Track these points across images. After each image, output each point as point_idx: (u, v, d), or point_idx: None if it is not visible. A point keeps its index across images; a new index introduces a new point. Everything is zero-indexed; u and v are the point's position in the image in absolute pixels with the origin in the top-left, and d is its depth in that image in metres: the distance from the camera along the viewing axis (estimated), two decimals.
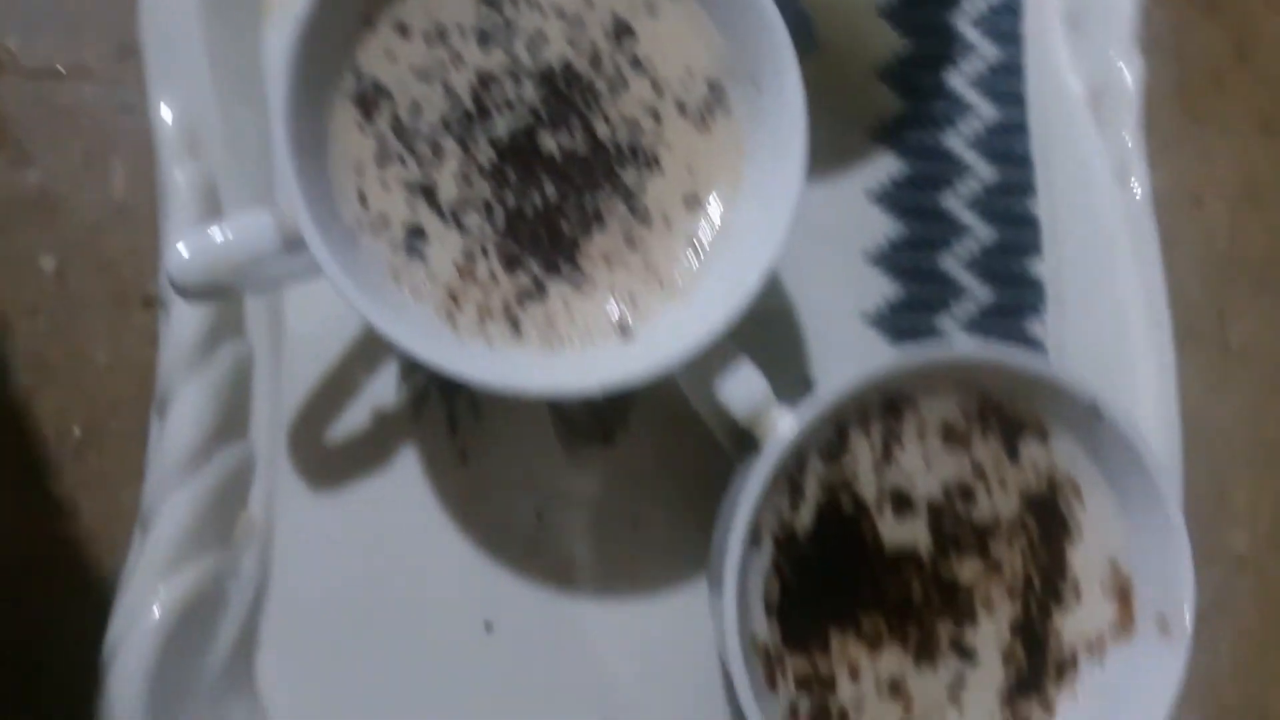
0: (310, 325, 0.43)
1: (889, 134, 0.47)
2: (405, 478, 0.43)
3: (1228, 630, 0.48)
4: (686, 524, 0.43)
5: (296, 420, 0.43)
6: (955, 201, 0.47)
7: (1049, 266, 0.47)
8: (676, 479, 0.44)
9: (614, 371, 0.34)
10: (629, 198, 0.37)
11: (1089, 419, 0.37)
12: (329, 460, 0.43)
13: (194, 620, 0.40)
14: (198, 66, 0.42)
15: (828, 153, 0.46)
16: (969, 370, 0.37)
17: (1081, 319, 0.47)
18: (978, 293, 0.46)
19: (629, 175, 0.37)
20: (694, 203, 0.37)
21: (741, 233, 0.37)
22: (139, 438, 0.41)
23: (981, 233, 0.47)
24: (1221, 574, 0.48)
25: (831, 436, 0.37)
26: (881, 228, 0.47)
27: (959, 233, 0.46)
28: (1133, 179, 0.46)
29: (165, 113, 0.42)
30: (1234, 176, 0.51)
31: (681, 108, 0.37)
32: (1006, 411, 0.38)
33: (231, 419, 0.42)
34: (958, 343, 0.43)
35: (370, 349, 0.43)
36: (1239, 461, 0.49)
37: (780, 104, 0.35)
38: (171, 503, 0.40)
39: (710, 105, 0.37)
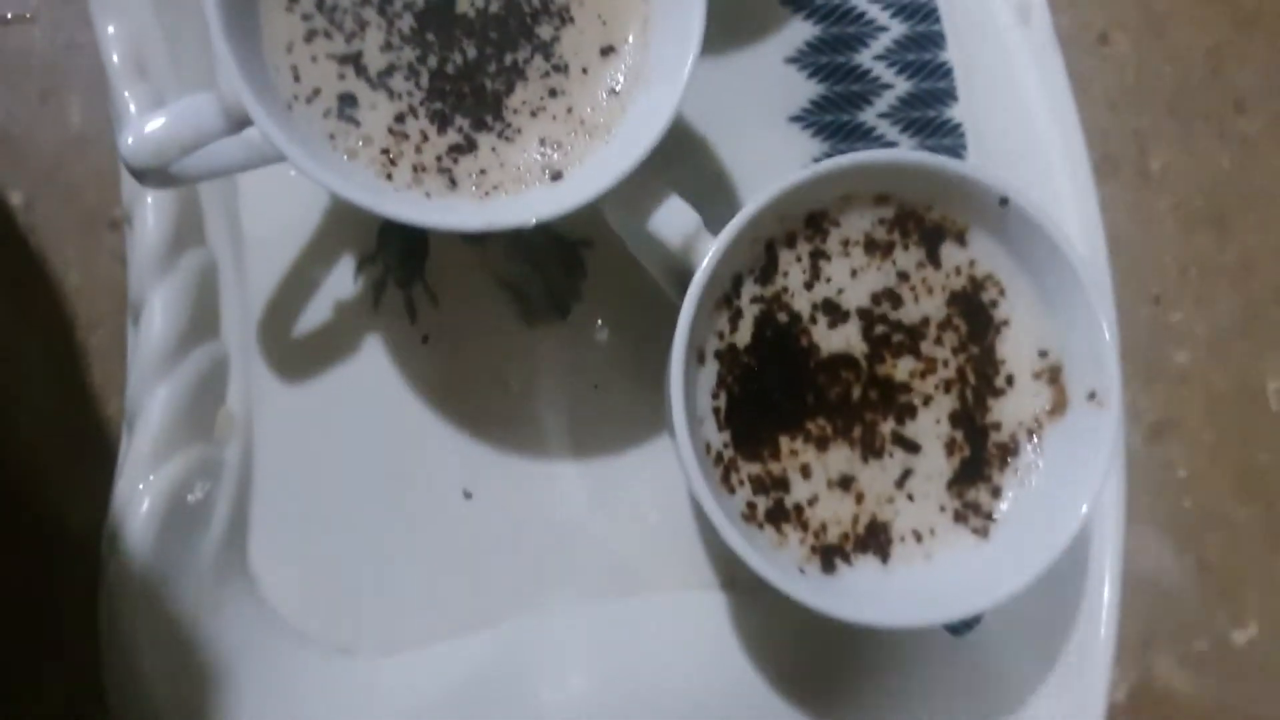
0: (266, 229, 0.46)
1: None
2: (372, 363, 0.46)
3: (1178, 443, 0.50)
4: (644, 385, 0.46)
5: (263, 318, 0.45)
6: (870, 59, 0.49)
7: (964, 110, 0.49)
8: (632, 344, 0.47)
9: (548, 207, 0.37)
10: (546, 52, 0.39)
11: (1003, 215, 0.39)
12: (298, 353, 0.45)
13: (184, 509, 0.42)
14: None
15: (745, 20, 0.49)
16: (884, 178, 0.40)
17: (1000, 162, 0.49)
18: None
19: (544, 30, 0.39)
20: (608, 51, 0.40)
21: (653, 73, 0.39)
22: (118, 353, 0.43)
23: (899, 87, 0.49)
24: (1167, 390, 0.50)
25: (762, 258, 0.39)
26: (802, 90, 0.49)
27: (877, 90, 0.49)
28: (1034, 17, 0.48)
29: (111, 40, 0.44)
30: (1135, 11, 0.53)
31: None
32: (925, 219, 0.40)
33: (202, 320, 0.44)
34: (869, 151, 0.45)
35: (325, 246, 0.46)
36: (1170, 282, 0.51)
37: None
38: (153, 399, 0.42)
39: None
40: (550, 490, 0.46)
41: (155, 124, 0.37)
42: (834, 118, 0.49)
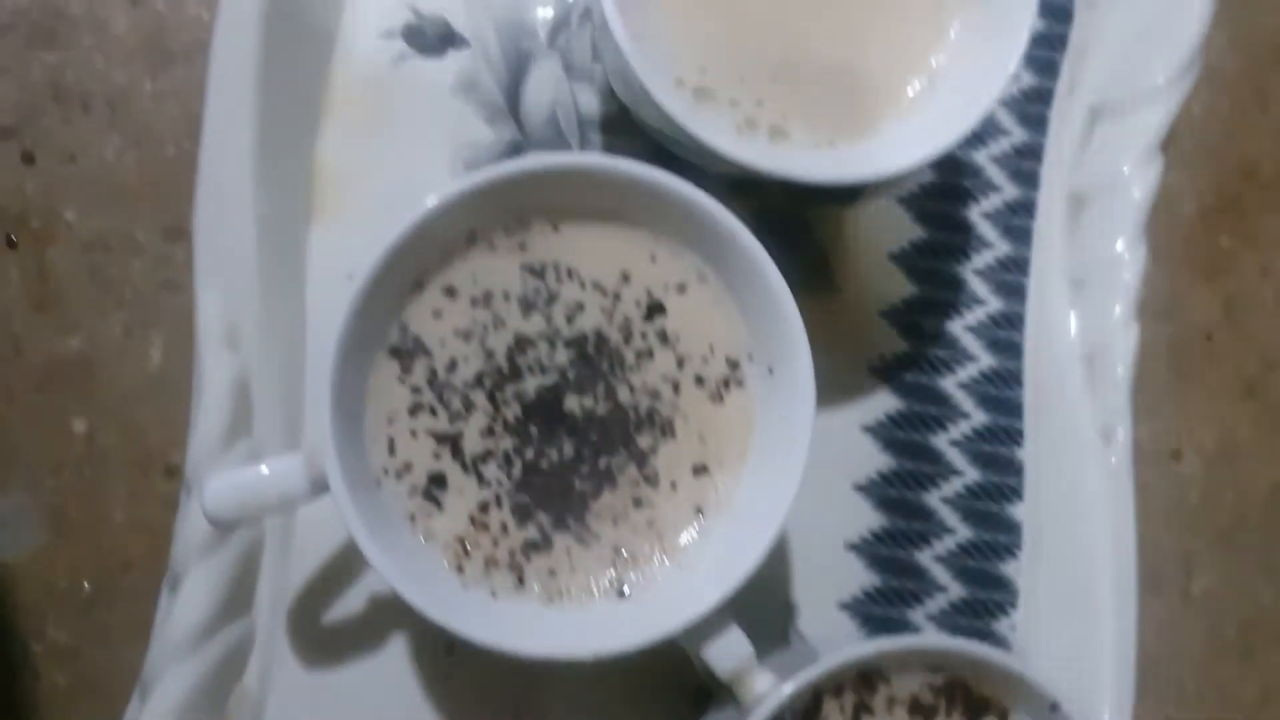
0: (321, 511, 0.45)
1: (889, 372, 0.50)
2: (394, 663, 0.46)
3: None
4: None
5: (297, 600, 0.45)
6: (944, 442, 0.49)
7: (1028, 510, 0.49)
8: (650, 688, 0.47)
9: (609, 638, 0.37)
10: (641, 461, 0.39)
11: (1050, 714, 0.40)
12: (324, 639, 0.45)
13: None
14: (246, 262, 0.44)
15: (830, 385, 0.49)
16: (943, 655, 0.40)
17: (1051, 567, 0.49)
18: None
19: (644, 439, 0.39)
20: (701, 471, 0.39)
21: (744, 506, 0.39)
22: (148, 598, 0.43)
23: (969, 475, 0.49)
24: None
25: (808, 700, 0.40)
26: (873, 462, 0.49)
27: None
28: (1118, 437, 0.49)
29: (209, 303, 0.44)
30: (1213, 435, 0.53)
31: (700, 381, 0.39)
32: (973, 691, 0.41)
33: (237, 598, 0.44)
34: (933, 635, 0.45)
35: None
36: (1187, 705, 0.52)
37: (792, 388, 0.38)
38: (172, 674, 0.42)
39: (727, 381, 0.40)
40: None
41: (241, 481, 0.37)
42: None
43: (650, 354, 0.39)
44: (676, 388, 0.39)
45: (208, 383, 0.42)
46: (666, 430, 0.39)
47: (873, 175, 0.39)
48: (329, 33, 0.46)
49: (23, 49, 0.46)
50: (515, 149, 0.47)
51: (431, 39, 0.46)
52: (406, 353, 0.38)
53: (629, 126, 0.44)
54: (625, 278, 0.39)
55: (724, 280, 0.39)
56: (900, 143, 0.40)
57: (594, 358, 0.39)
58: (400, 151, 0.46)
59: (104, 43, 0.46)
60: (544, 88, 0.47)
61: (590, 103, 0.47)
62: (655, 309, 0.39)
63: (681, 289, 0.39)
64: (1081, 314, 0.51)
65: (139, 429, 0.46)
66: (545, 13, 0.47)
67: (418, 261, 0.37)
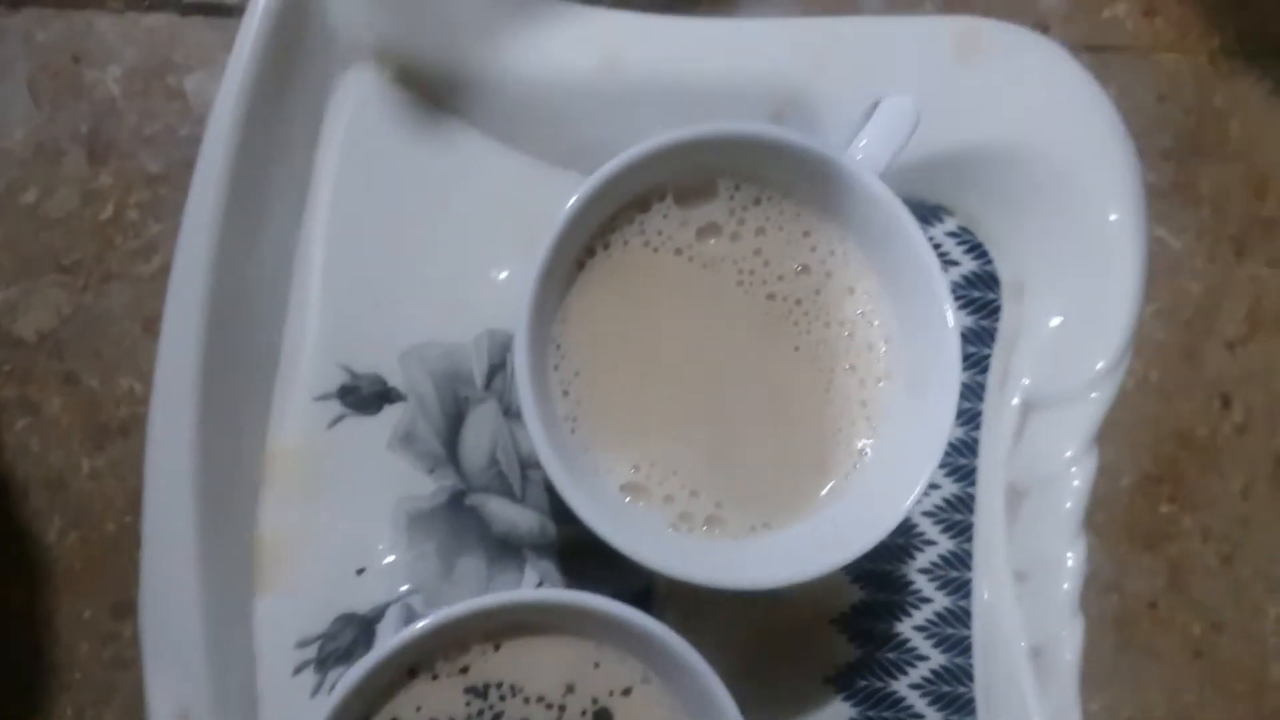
0: None
1: (841, 680, 0.51)
2: None
3: None
4: None
5: None
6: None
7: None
8: None
9: None
10: None
11: None
12: None
13: None
14: (193, 642, 0.44)
15: (784, 696, 0.49)
16: None
17: None
18: None
19: None
20: None
21: None
22: None
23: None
24: None
25: None
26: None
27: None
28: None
29: (158, 688, 0.44)
30: (1163, 701, 0.54)
31: None
32: None
33: None
34: None
35: None
36: None
37: None
38: None
39: None
40: None
41: None
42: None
43: None
44: None
45: None
46: None
47: (802, 575, 0.39)
48: (265, 403, 0.46)
49: None
50: (457, 496, 0.47)
51: (367, 397, 0.47)
52: None
53: None
54: (570, 688, 0.39)
55: (667, 681, 0.39)
56: (836, 524, 0.41)
57: None
58: (341, 511, 0.47)
59: (39, 425, 0.46)
60: (483, 432, 0.47)
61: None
62: (602, 715, 0.39)
63: (627, 692, 0.39)
64: (1026, 606, 0.51)
65: None
66: (481, 361, 0.47)
67: (363, 700, 0.37)
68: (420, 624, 0.37)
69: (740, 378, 0.42)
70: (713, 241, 0.42)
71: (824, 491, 0.42)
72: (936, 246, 0.51)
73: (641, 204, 0.41)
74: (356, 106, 0.48)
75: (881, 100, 0.42)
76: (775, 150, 0.40)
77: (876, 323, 0.42)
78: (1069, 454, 0.51)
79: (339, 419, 0.47)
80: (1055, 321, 0.52)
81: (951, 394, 0.40)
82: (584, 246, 0.40)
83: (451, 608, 0.37)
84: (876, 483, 0.41)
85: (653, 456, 0.41)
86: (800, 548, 0.41)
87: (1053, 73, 0.50)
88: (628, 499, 0.41)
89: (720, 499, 0.41)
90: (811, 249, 0.42)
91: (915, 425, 0.41)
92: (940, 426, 0.40)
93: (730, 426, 0.42)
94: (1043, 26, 0.55)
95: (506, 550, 0.47)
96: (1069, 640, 0.50)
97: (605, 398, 0.41)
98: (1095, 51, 0.55)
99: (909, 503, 0.39)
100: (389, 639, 0.38)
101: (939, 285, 0.39)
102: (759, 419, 0.42)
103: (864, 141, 0.42)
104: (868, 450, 0.42)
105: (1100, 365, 0.51)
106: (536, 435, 0.37)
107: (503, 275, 0.48)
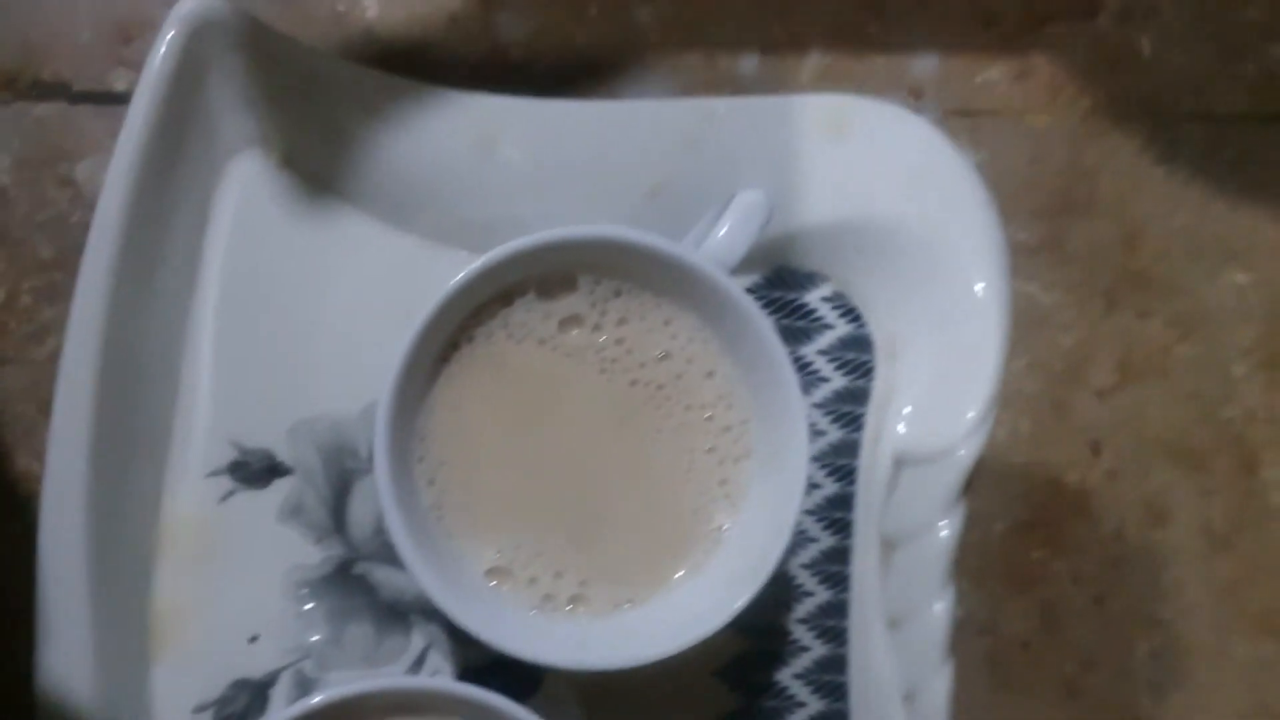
0: None
1: None
2: None
3: None
4: None
5: None
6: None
7: None
8: None
9: None
10: None
11: None
12: None
13: None
14: (92, 717, 0.46)
15: None
16: None
17: None
18: None
19: None
20: None
21: None
22: None
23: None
24: None
25: None
26: None
27: None
28: None
29: None
30: None
31: None
32: None
33: None
34: None
35: None
36: None
37: None
38: None
39: None
40: None
41: None
42: None
43: None
44: None
45: None
46: None
47: (659, 653, 0.41)
48: (158, 479, 0.48)
49: None
50: (344, 565, 0.49)
51: (257, 471, 0.49)
52: None
53: None
54: None
55: None
56: (696, 599, 0.43)
57: None
58: (233, 581, 0.49)
59: None
60: (369, 502, 0.49)
61: None
62: None
63: None
64: (899, 653, 0.54)
65: None
66: (367, 433, 0.49)
67: None
68: (312, 700, 0.39)
69: (604, 461, 0.44)
70: (575, 332, 0.44)
71: (684, 569, 0.44)
72: (812, 311, 0.53)
73: (504, 298, 0.43)
74: (243, 189, 0.50)
75: (736, 194, 0.44)
76: (631, 250, 0.41)
77: (735, 405, 0.44)
78: (938, 507, 0.54)
79: (230, 494, 0.49)
80: (924, 382, 0.55)
81: (801, 475, 0.42)
82: (447, 341, 0.42)
83: (340, 689, 0.39)
84: (735, 559, 0.43)
85: (517, 540, 0.43)
86: (661, 624, 0.43)
87: (919, 145, 0.52)
88: (493, 583, 0.43)
89: (585, 578, 0.43)
90: (672, 336, 0.44)
91: (771, 503, 0.43)
92: (791, 505, 0.42)
93: (595, 509, 0.44)
94: (917, 93, 0.57)
95: (394, 616, 0.49)
96: (939, 685, 0.53)
97: (470, 486, 0.43)
98: (968, 116, 0.57)
99: (763, 578, 0.42)
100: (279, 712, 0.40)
101: (788, 374, 0.42)
102: (623, 500, 0.44)
103: (721, 232, 0.43)
104: (727, 528, 0.44)
105: (966, 423, 0.53)
106: (395, 527, 0.39)
107: (388, 351, 0.50)
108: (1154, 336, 0.58)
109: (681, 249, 0.42)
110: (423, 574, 0.40)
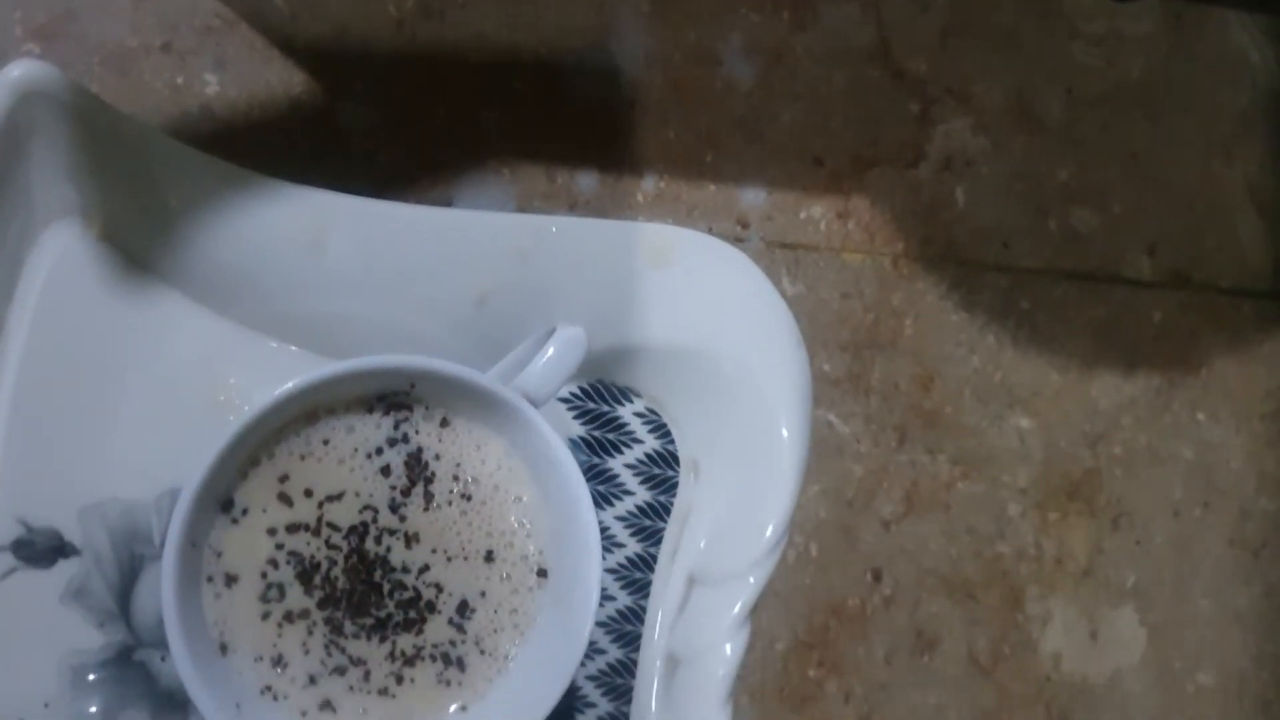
0: None
1: None
2: None
3: None
4: None
5: None
6: None
7: None
8: None
9: None
10: None
11: None
12: None
13: None
14: None
15: None
16: None
17: None
18: None
19: None
20: None
21: None
22: None
23: None
24: None
25: None
26: None
27: None
28: None
29: None
30: None
31: None
32: None
33: None
34: None
35: None
36: None
37: None
38: None
39: None
40: None
41: None
42: None
43: None
44: None
45: None
46: None
47: None
48: None
49: None
50: (125, 651, 0.48)
51: (41, 550, 0.47)
52: None
53: None
54: None
55: None
56: None
57: None
58: (6, 662, 0.47)
59: None
60: (156, 589, 0.48)
61: None
62: None
63: None
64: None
65: None
66: (161, 520, 0.48)
67: None
68: None
69: (399, 582, 0.45)
70: (384, 452, 0.44)
71: (467, 699, 0.45)
72: (624, 425, 0.55)
73: (309, 417, 0.43)
74: (57, 261, 0.48)
75: (556, 328, 0.46)
76: (441, 379, 0.42)
77: (533, 534, 0.45)
78: (725, 627, 0.56)
79: (10, 571, 0.48)
80: (722, 504, 0.57)
81: (589, 612, 0.43)
82: (247, 458, 0.42)
83: None
84: (519, 689, 0.44)
85: (295, 668, 0.43)
86: None
87: (738, 280, 0.54)
88: (268, 698, 0.43)
89: (367, 706, 0.44)
90: (482, 461, 0.45)
91: (558, 635, 0.44)
92: (579, 640, 0.43)
93: (380, 630, 0.44)
94: (744, 223, 0.59)
95: (172, 705, 0.49)
96: None
97: (253, 602, 0.43)
98: (790, 249, 0.59)
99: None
100: None
101: (587, 512, 0.43)
102: (414, 622, 0.44)
103: (540, 364, 0.45)
104: (514, 656, 0.45)
105: (756, 551, 0.55)
106: (174, 639, 0.39)
107: (191, 437, 0.49)
108: (939, 472, 0.62)
109: (489, 379, 0.43)
110: (194, 690, 0.40)
